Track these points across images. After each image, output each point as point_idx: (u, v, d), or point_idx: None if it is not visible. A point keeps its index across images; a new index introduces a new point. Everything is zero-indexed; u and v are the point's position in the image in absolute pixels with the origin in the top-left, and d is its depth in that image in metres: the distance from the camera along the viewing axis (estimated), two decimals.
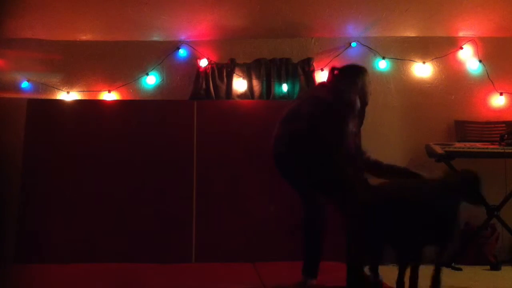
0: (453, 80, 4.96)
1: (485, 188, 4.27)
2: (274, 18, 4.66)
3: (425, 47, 4.98)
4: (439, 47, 4.96)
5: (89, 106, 4.70)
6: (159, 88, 4.95)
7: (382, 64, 4.94)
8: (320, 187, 3.05)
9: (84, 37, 4.95)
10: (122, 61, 4.96)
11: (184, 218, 4.36)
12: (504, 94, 4.89)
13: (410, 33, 4.97)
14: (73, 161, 4.46)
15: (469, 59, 4.97)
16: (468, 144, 4.41)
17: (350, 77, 3.19)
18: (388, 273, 3.11)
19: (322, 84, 3.50)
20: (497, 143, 4.38)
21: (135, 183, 4.43)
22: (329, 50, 4.97)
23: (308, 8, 4.47)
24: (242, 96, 4.83)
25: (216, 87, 4.82)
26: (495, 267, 4.13)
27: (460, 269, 3.91)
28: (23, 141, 4.47)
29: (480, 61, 4.92)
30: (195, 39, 4.98)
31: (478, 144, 4.40)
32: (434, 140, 4.54)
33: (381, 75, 4.95)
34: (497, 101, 4.90)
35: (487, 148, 4.33)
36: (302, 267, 3.12)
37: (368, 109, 4.61)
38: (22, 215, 4.33)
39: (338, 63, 4.90)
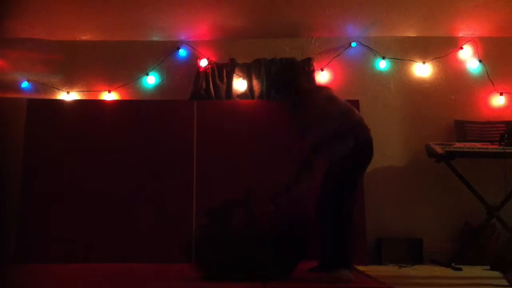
0: (453, 80, 4.96)
1: (485, 188, 4.37)
2: (274, 18, 4.66)
3: (425, 47, 4.98)
4: (439, 47, 4.96)
5: (89, 106, 4.70)
6: (159, 88, 4.95)
7: (382, 64, 4.94)
8: None
9: (84, 37, 4.96)
10: (122, 61, 4.97)
11: (184, 218, 4.36)
12: (504, 94, 4.89)
13: (410, 33, 4.97)
14: (73, 161, 4.47)
15: (469, 59, 4.97)
16: (468, 144, 4.41)
17: None
18: (389, 273, 3.12)
19: None
20: (497, 143, 4.37)
21: (135, 183, 4.43)
22: (329, 50, 4.97)
23: (308, 8, 4.47)
24: (242, 96, 4.82)
25: (216, 87, 4.82)
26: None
27: (460, 269, 3.90)
28: (23, 141, 4.47)
29: (480, 61, 4.92)
30: (195, 39, 4.98)
31: (478, 144, 4.40)
32: (434, 140, 4.54)
33: (381, 75, 4.95)
34: (497, 101, 4.89)
35: (487, 148, 4.33)
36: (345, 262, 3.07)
37: (368, 108, 4.67)
38: (22, 215, 4.33)
39: (338, 63, 4.95)
